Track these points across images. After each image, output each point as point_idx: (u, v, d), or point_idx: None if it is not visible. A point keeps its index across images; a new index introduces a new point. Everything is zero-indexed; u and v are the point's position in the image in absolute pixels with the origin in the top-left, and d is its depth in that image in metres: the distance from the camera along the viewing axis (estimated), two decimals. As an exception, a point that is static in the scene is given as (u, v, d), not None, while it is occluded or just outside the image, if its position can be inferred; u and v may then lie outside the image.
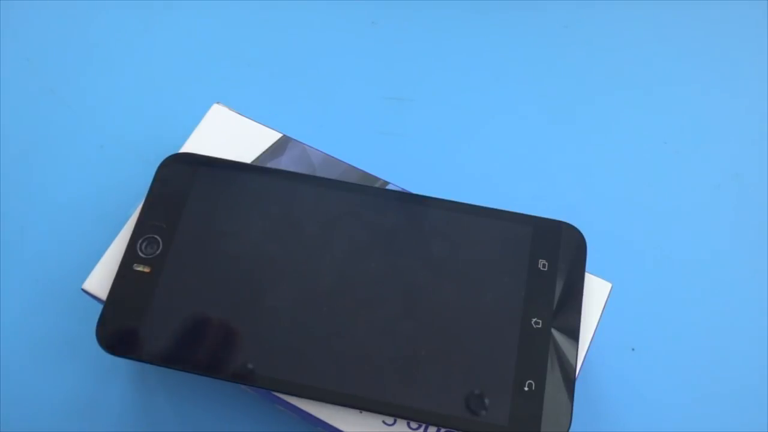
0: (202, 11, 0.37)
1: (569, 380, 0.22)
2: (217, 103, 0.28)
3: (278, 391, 0.23)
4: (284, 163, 0.27)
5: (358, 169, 0.26)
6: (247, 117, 0.27)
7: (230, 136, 0.27)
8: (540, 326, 0.23)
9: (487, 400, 0.22)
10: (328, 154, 0.27)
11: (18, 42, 0.36)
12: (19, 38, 0.36)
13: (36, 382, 0.29)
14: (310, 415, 0.23)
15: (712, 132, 0.34)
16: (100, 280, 0.25)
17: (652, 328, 0.30)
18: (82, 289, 0.25)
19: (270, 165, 0.27)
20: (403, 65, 0.36)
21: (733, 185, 0.33)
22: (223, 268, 0.24)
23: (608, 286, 0.25)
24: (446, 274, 0.24)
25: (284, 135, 0.27)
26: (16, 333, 0.30)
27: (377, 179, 0.26)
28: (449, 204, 0.25)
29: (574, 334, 0.23)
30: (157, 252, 0.24)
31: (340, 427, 0.23)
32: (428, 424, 0.22)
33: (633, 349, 0.30)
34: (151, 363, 0.23)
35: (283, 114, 0.34)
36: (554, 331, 0.23)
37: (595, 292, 0.24)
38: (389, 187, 0.26)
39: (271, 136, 0.27)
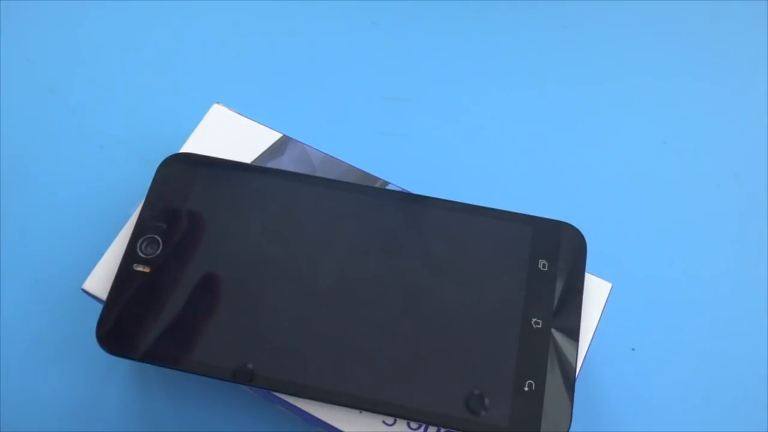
0: (202, 11, 0.37)
1: (569, 380, 0.22)
2: (217, 103, 0.28)
3: (278, 391, 0.23)
4: (284, 163, 0.27)
5: (358, 169, 0.26)
6: (247, 117, 0.27)
7: (230, 136, 0.27)
8: (540, 326, 0.23)
9: (487, 400, 0.22)
10: (328, 154, 0.27)
11: (18, 42, 0.36)
12: (19, 38, 0.36)
13: (36, 382, 0.29)
14: (310, 415, 0.23)
15: (712, 132, 0.34)
16: (100, 280, 0.25)
17: (652, 328, 0.30)
18: (82, 289, 0.25)
19: (270, 165, 0.27)
20: (403, 65, 0.36)
21: (733, 185, 0.33)
22: (222, 268, 0.24)
23: (608, 286, 0.25)
24: (446, 274, 0.24)
25: (284, 135, 0.27)
26: (16, 333, 0.30)
27: (377, 179, 0.26)
28: (449, 204, 0.25)
29: (574, 334, 0.23)
30: (157, 252, 0.24)
31: (340, 427, 0.23)
32: (428, 424, 0.22)
33: (633, 349, 0.30)
34: (151, 363, 0.23)
35: (283, 114, 0.34)
36: (554, 331, 0.23)
37: (595, 292, 0.24)
38: (389, 187, 0.26)
39: (271, 136, 0.27)
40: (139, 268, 0.24)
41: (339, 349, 0.23)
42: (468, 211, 0.25)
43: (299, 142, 0.27)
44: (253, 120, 0.27)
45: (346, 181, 0.26)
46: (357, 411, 0.23)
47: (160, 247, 0.24)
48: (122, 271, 0.24)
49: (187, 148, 0.27)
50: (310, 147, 0.27)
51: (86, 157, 0.33)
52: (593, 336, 0.24)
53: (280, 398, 0.23)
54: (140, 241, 0.24)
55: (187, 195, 0.25)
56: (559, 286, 0.24)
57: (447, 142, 0.34)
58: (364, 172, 0.26)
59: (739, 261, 0.31)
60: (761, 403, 0.29)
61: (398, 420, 0.23)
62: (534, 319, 0.23)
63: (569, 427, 0.22)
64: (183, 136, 0.27)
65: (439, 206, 0.25)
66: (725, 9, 0.37)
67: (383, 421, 0.23)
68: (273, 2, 0.37)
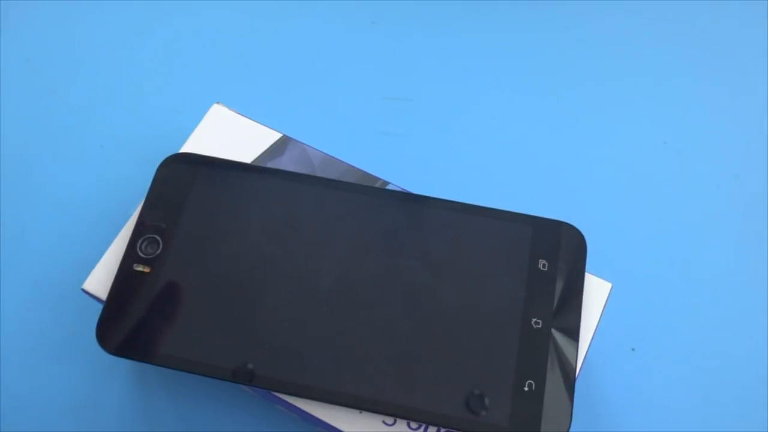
0: (202, 11, 0.37)
1: (569, 380, 0.22)
2: (217, 103, 0.28)
3: (278, 391, 0.23)
4: (284, 163, 0.27)
5: (358, 169, 0.26)
6: (247, 117, 0.27)
7: (230, 136, 0.27)
8: (540, 326, 0.23)
9: (487, 400, 0.22)
10: (328, 154, 0.27)
11: (18, 42, 0.36)
12: (19, 38, 0.36)
13: (36, 382, 0.29)
14: (310, 415, 0.23)
15: (712, 132, 0.34)
16: (100, 280, 0.25)
17: (652, 328, 0.30)
18: (82, 289, 0.25)
19: (270, 165, 0.27)
20: (403, 65, 0.36)
21: (733, 185, 0.33)
22: (222, 268, 0.24)
23: (608, 286, 0.25)
24: (446, 274, 0.24)
25: (284, 135, 0.27)
26: (16, 333, 0.30)
27: (377, 179, 0.26)
28: (449, 204, 0.25)
29: (574, 334, 0.23)
30: (157, 252, 0.24)
31: (340, 427, 0.23)
32: (428, 424, 0.22)
33: (633, 349, 0.30)
34: (151, 363, 0.23)
35: (283, 114, 0.34)
36: (554, 331, 0.23)
37: (595, 292, 0.24)
38: (389, 187, 0.26)
39: (271, 136, 0.27)
40: (139, 268, 0.24)
41: (339, 349, 0.23)
42: (468, 211, 0.25)
43: (299, 142, 0.27)
44: (253, 120, 0.27)
45: (346, 181, 0.26)
46: (357, 411, 0.23)
47: (160, 247, 0.24)
48: (122, 271, 0.24)
49: (187, 148, 0.27)
50: (310, 147, 0.27)
51: (86, 157, 0.33)
52: (593, 336, 0.24)
53: (280, 398, 0.23)
54: (140, 241, 0.24)
55: (187, 195, 0.25)
56: (559, 286, 0.24)
57: (447, 142, 0.34)
58: (364, 172, 0.26)
59: (739, 261, 0.31)
60: (761, 403, 0.29)
61: (398, 420, 0.23)
62: (534, 319, 0.23)
63: (569, 427, 0.22)
64: (183, 136, 0.27)
65: (439, 206, 0.25)
66: (725, 9, 0.37)
67: (383, 421, 0.23)
68: (273, 2, 0.37)
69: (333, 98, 0.35)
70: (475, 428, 0.22)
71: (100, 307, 0.24)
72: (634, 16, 0.37)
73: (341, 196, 0.25)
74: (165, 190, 0.25)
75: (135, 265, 0.24)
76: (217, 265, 0.24)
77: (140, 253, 0.24)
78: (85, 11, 0.37)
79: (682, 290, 0.31)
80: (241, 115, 0.28)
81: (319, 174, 0.26)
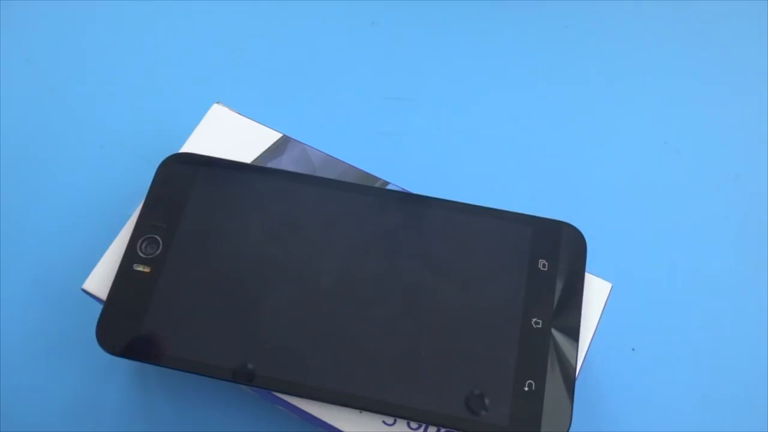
0: (202, 11, 0.37)
1: (569, 380, 0.22)
2: (217, 103, 0.28)
3: (278, 391, 0.23)
4: (284, 163, 0.27)
5: (358, 169, 0.26)
6: (247, 117, 0.27)
7: (230, 136, 0.27)
8: (540, 326, 0.23)
9: (487, 400, 0.22)
10: (328, 154, 0.27)
11: (18, 42, 0.36)
12: (19, 38, 0.36)
13: (36, 382, 0.29)
14: (310, 415, 0.23)
15: (712, 132, 0.34)
16: (100, 280, 0.25)
17: (652, 328, 0.30)
18: (82, 289, 0.25)
19: (270, 165, 0.27)
20: (403, 65, 0.36)
21: (733, 185, 0.33)
22: (222, 268, 0.24)
23: (608, 286, 0.25)
24: (446, 274, 0.24)
25: (284, 135, 0.27)
26: (16, 332, 0.30)
27: (377, 179, 0.26)
28: (449, 204, 0.25)
29: (574, 334, 0.23)
30: (157, 252, 0.24)
31: (340, 427, 0.23)
32: (428, 424, 0.22)
33: (633, 349, 0.30)
34: (151, 363, 0.23)
35: (283, 114, 0.34)
36: (554, 331, 0.23)
37: (595, 292, 0.24)
38: (389, 187, 0.26)
39: (271, 136, 0.27)
40: (139, 268, 0.24)
41: (339, 349, 0.23)
42: (468, 211, 0.25)
43: (299, 142, 0.27)
44: (253, 120, 0.27)
45: (346, 181, 0.26)
46: (357, 411, 0.23)
47: (160, 247, 0.24)
48: (122, 271, 0.24)
49: (187, 148, 0.27)
50: (310, 147, 0.27)
51: (86, 157, 0.33)
52: (593, 336, 0.24)
53: (280, 398, 0.23)
54: (140, 241, 0.24)
55: (187, 195, 0.25)
56: (559, 286, 0.24)
57: (447, 142, 0.34)
58: (364, 172, 0.26)
59: (739, 261, 0.31)
60: (761, 403, 0.29)
61: (398, 420, 0.23)
62: (534, 319, 0.23)
63: (569, 427, 0.22)
64: (183, 136, 0.27)
65: (439, 206, 0.25)
66: (725, 9, 0.37)
67: (383, 421, 0.23)
68: (273, 2, 0.37)
69: (333, 98, 0.35)
70: (475, 428, 0.22)
71: (100, 307, 0.24)
72: (634, 16, 0.37)
73: (341, 196, 0.25)
74: (165, 190, 0.25)
75: (135, 265, 0.24)
76: (217, 265, 0.24)
77: (140, 253, 0.24)
78: (85, 11, 0.37)
79: (682, 290, 0.31)
80: (241, 115, 0.28)
81: (319, 174, 0.26)
